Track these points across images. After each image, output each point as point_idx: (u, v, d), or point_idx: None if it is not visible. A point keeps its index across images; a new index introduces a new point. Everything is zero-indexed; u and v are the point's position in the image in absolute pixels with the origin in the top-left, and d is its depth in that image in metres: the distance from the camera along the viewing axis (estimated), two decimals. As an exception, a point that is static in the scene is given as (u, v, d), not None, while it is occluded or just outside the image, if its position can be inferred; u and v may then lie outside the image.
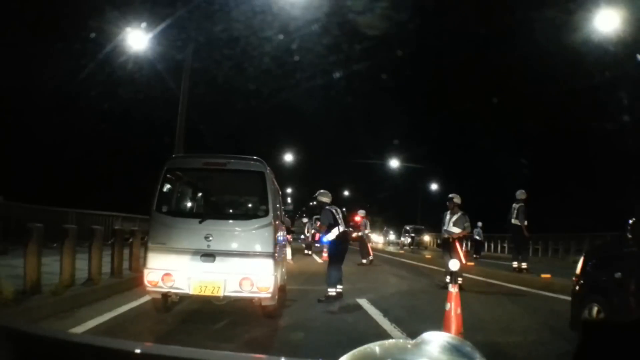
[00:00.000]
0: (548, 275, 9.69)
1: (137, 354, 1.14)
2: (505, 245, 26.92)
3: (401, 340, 1.05)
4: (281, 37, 15.89)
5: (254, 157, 5.91)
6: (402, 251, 25.56)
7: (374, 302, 6.74)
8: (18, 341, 1.17)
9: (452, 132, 43.81)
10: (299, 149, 32.83)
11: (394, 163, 33.29)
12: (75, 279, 6.76)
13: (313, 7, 12.91)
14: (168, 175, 5.86)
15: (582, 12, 12.86)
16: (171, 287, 5.26)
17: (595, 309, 4.37)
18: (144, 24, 12.21)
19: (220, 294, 5.19)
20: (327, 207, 7.31)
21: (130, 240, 9.37)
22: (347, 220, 8.44)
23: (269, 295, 5.19)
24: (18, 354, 1.14)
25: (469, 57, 39.48)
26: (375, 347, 0.96)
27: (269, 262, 5.27)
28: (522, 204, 10.84)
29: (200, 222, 5.41)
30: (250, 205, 7.17)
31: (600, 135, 25.48)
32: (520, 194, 10.96)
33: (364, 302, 6.78)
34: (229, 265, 5.24)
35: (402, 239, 34.06)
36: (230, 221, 5.79)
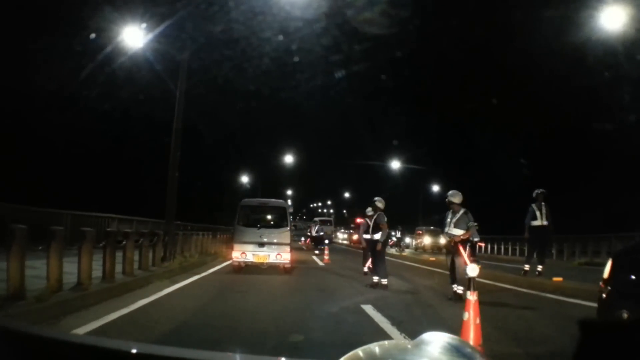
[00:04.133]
0: (559, 279, 9.32)
1: (137, 354, 1.14)
2: (509, 247, 26.71)
3: (401, 341, 1.05)
4: (281, 37, 16.38)
5: (281, 200, 13.32)
6: (404, 253, 25.09)
7: (379, 309, 6.33)
8: (18, 341, 1.18)
9: (452, 133, 43.39)
10: (299, 150, 32.67)
11: (395, 164, 33.08)
12: (63, 283, 6.37)
13: (312, 7, 12.84)
14: (241, 208, 12.06)
15: (581, 12, 13.08)
16: (244, 259, 11.08)
17: (625, 317, 3.98)
18: (143, 25, 11.91)
19: (266, 261, 11.05)
20: (380, 212, 9.34)
21: (124, 242, 9.02)
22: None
23: (288, 262, 11.21)
24: (18, 354, 1.14)
25: (469, 57, 39.19)
26: (376, 347, 0.98)
27: (288, 247, 11.29)
28: (533, 204, 10.46)
29: (257, 229, 11.41)
30: (279, 221, 12.12)
31: (604, 135, 25.04)
32: (534, 193, 10.56)
33: (368, 309, 6.37)
34: (271, 248, 11.11)
35: (414, 241, 32.04)
36: (271, 228, 11.63)
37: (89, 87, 19.67)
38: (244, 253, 11.06)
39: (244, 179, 40.88)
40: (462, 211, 7.63)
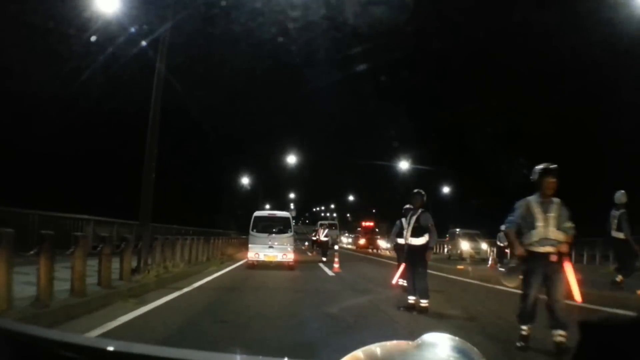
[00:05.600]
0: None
1: (137, 355, 1.15)
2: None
3: (402, 341, 1.02)
4: (281, 39, 16.55)
5: (286, 212, 16.35)
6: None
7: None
8: (18, 343, 1.17)
9: (453, 133, 41.52)
10: (302, 153, 30.95)
11: (397, 164, 31.61)
12: (14, 299, 4.99)
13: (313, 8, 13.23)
14: (254, 218, 14.66)
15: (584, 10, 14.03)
16: (257, 258, 13.97)
17: None
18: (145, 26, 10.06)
19: (275, 260, 13.95)
20: (424, 208, 7.01)
21: (99, 248, 7.16)
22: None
23: (292, 260, 14.02)
24: (18, 355, 1.14)
25: (472, 56, 37.94)
26: (376, 348, 0.97)
27: (292, 249, 14.22)
28: (624, 211, 8.15)
29: (267, 235, 14.18)
30: (284, 228, 14.61)
31: (615, 133, 24.18)
32: (621, 196, 8.26)
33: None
34: (278, 250, 13.95)
35: (446, 247, 26.38)
36: (278, 234, 14.34)
37: (69, 80, 17.80)
38: (257, 254, 14.08)
39: (245, 180, 39.02)
40: (557, 200, 4.66)
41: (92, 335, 4.61)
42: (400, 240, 8.96)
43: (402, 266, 7.99)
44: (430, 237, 6.64)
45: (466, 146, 37.19)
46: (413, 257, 6.73)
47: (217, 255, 16.61)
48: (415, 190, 7.07)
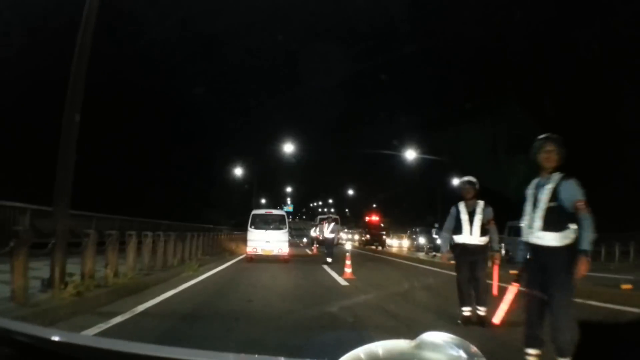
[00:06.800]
0: None
1: (137, 355, 1.13)
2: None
3: (401, 340, 0.98)
4: (281, 37, 15.51)
5: (282, 210, 20.66)
6: (441, 260, 19.25)
7: None
8: (17, 342, 1.16)
9: (458, 129, 39.09)
10: (298, 147, 28.26)
11: (402, 155, 28.92)
12: None
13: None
14: (252, 216, 16.42)
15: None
16: (255, 252, 15.64)
17: None
18: None
19: (271, 253, 15.54)
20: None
21: (53, 242, 5.67)
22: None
23: (286, 254, 15.80)
24: (17, 355, 1.15)
25: (477, 53, 36.14)
26: (376, 347, 0.96)
27: (287, 244, 16.07)
28: None
29: (265, 230, 15.94)
30: (279, 225, 16.38)
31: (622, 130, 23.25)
32: None
33: None
34: (274, 244, 15.71)
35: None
36: (274, 230, 16.05)
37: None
38: (255, 248, 15.52)
39: (238, 172, 36.60)
40: None
41: None
42: (459, 238, 5.78)
43: (514, 288, 4.51)
44: (584, 227, 3.35)
45: (468, 141, 35.06)
46: (543, 271, 3.39)
47: (197, 256, 13.42)
48: (544, 135, 3.62)
